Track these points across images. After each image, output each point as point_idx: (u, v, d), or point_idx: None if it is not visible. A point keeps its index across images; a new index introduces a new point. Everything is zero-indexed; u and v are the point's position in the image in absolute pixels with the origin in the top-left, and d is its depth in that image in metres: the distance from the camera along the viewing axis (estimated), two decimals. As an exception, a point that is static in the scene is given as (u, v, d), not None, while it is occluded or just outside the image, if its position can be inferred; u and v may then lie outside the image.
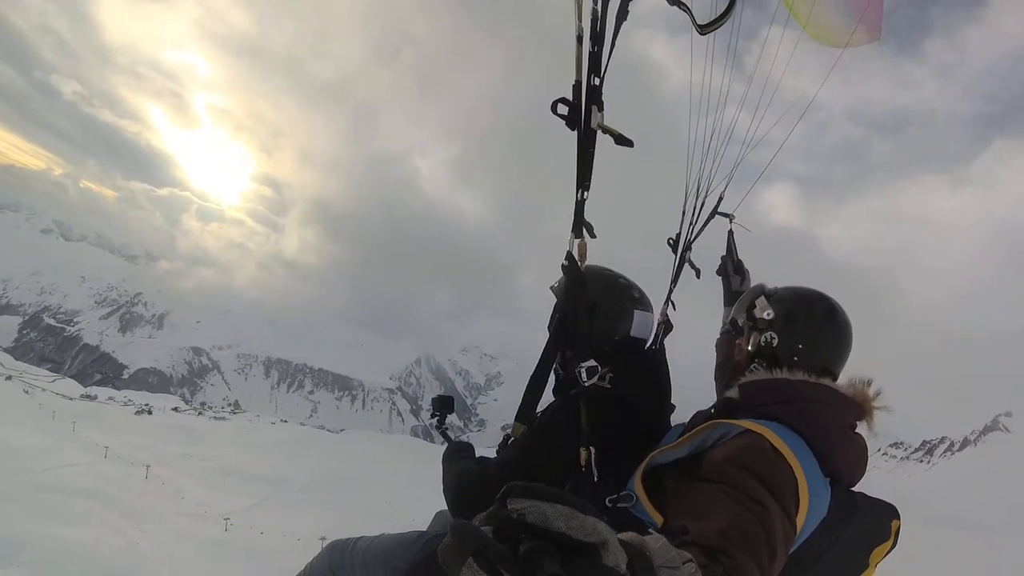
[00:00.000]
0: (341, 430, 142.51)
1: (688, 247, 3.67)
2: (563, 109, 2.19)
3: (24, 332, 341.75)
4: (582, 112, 2.20)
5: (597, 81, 2.21)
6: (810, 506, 1.93)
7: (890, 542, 2.34)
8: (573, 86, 2.19)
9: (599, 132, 2.23)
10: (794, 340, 2.47)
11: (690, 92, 3.32)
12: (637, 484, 2.25)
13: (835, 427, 2.24)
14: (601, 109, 2.19)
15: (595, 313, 2.83)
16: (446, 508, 3.08)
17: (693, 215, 3.64)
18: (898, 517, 2.35)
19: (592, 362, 2.34)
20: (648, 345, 3.13)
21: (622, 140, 2.31)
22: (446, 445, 3.35)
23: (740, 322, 2.70)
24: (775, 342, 2.49)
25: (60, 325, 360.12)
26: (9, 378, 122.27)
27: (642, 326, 3.00)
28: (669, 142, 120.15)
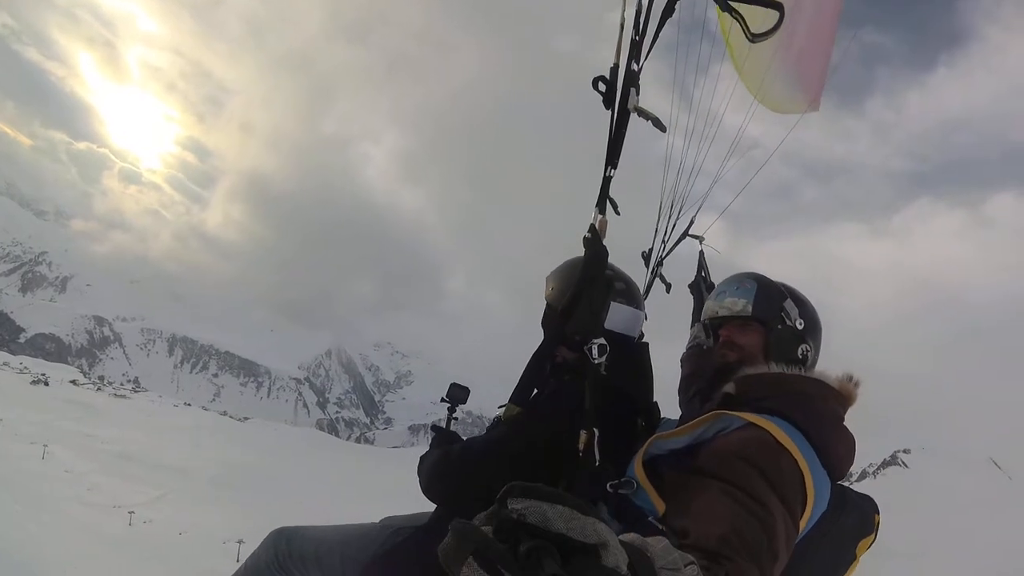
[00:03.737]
0: (245, 418, 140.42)
1: (660, 263, 3.80)
2: (601, 86, 2.34)
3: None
4: (618, 92, 2.30)
5: (636, 67, 2.33)
6: (815, 501, 1.98)
7: (873, 535, 2.36)
8: (611, 68, 2.33)
9: (634, 115, 2.32)
10: (816, 350, 2.59)
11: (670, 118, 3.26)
12: (638, 469, 2.21)
13: (831, 420, 2.29)
14: (638, 93, 2.29)
15: (573, 303, 2.66)
16: (389, 516, 3.04)
17: (665, 234, 3.79)
18: (878, 511, 2.39)
19: (603, 340, 2.34)
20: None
21: (658, 124, 2.40)
22: (433, 435, 3.06)
23: (763, 320, 2.55)
24: (810, 355, 2.55)
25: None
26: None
27: (620, 320, 2.79)
28: (647, 158, 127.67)
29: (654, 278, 3.77)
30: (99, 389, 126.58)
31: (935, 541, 70.83)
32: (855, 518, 2.28)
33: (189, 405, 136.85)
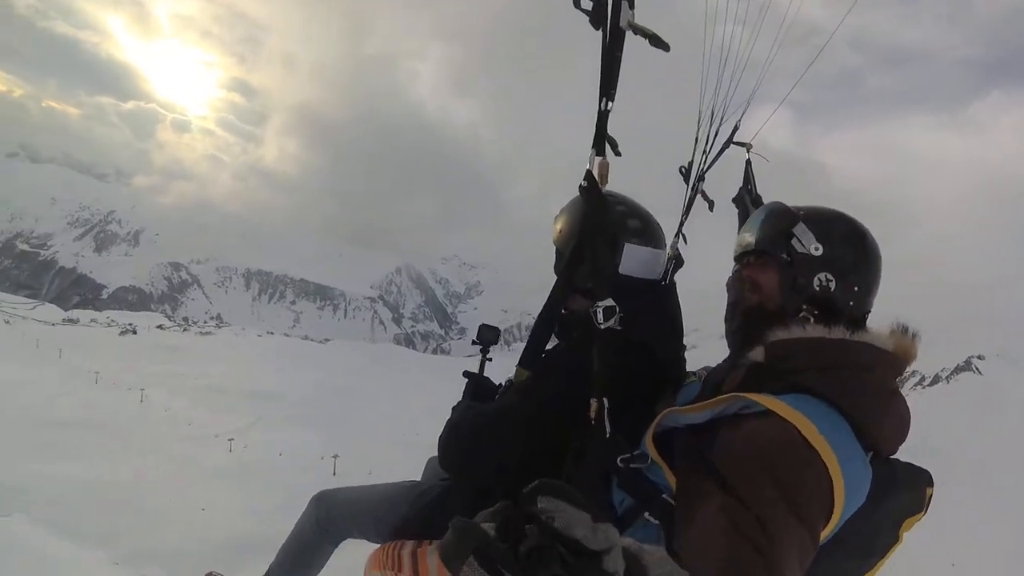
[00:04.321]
0: (326, 340, 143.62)
1: (701, 177, 3.30)
2: (587, 4, 1.96)
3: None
4: (609, 7, 1.97)
5: None
6: (845, 507, 1.69)
7: (923, 512, 2.04)
8: None
9: (629, 32, 2.00)
10: (851, 284, 2.03)
11: (705, 9, 2.97)
12: (649, 443, 1.99)
13: (879, 394, 1.89)
14: (632, 6, 1.97)
15: (577, 252, 2.40)
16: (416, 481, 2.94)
17: (706, 144, 3.25)
18: (932, 484, 2.05)
19: (610, 301, 2.12)
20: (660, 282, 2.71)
21: (656, 41, 2.05)
22: (467, 380, 3.00)
23: (770, 252, 2.15)
24: (832, 287, 2.01)
25: (34, 250, 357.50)
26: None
27: (636, 263, 2.52)
28: (685, 58, 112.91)
29: (695, 195, 3.32)
30: (185, 330, 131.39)
31: (1006, 451, 69.12)
32: (903, 499, 2.02)
33: (272, 334, 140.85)
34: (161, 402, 60.41)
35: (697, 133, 3.22)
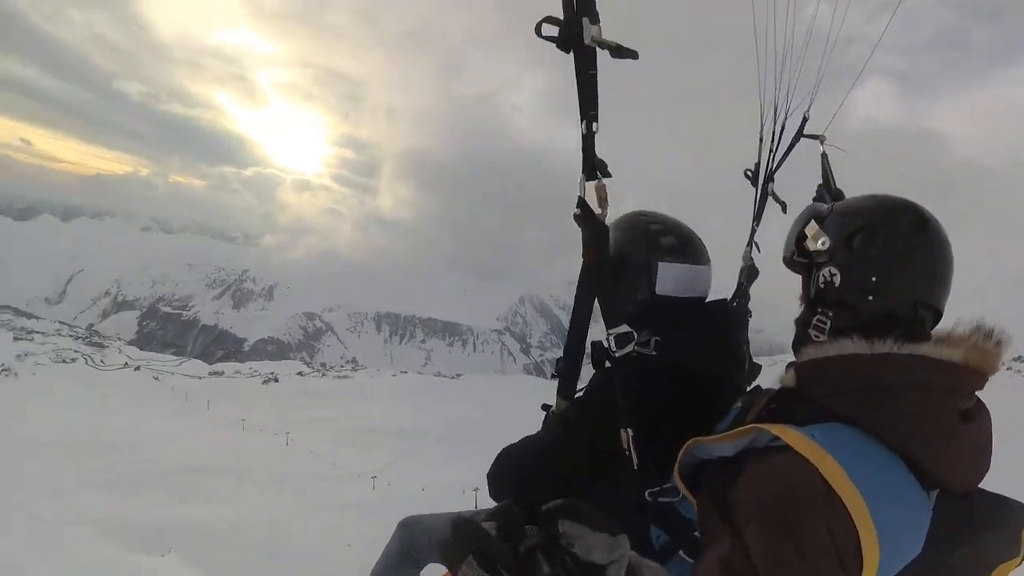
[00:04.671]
0: (457, 375, 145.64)
1: (770, 178, 3.18)
2: (550, 30, 1.87)
3: (144, 323, 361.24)
4: (578, 27, 1.87)
5: None
6: (882, 557, 1.43)
7: (1020, 558, 1.71)
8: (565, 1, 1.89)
9: (597, 49, 1.92)
10: (863, 274, 1.68)
11: None
12: (676, 475, 1.82)
13: (938, 419, 1.55)
14: (595, 21, 1.87)
15: (614, 269, 2.36)
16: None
17: (773, 141, 3.11)
18: None
19: (624, 328, 2.06)
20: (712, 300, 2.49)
21: (620, 52, 1.93)
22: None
23: (789, 258, 1.96)
24: (836, 281, 1.72)
25: (176, 311, 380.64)
26: (137, 368, 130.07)
27: (671, 282, 2.35)
28: (742, 49, 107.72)
29: (765, 199, 3.17)
30: (323, 375, 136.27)
31: None
32: (987, 542, 1.62)
33: (405, 373, 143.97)
34: (305, 444, 62.39)
35: (761, 131, 3.09)
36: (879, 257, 1.64)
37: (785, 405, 1.68)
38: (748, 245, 3.09)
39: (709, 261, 2.43)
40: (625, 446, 1.98)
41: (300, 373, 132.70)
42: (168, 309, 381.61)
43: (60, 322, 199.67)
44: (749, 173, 3.22)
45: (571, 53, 1.87)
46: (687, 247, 2.36)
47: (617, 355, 2.00)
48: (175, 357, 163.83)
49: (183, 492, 35.18)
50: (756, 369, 2.53)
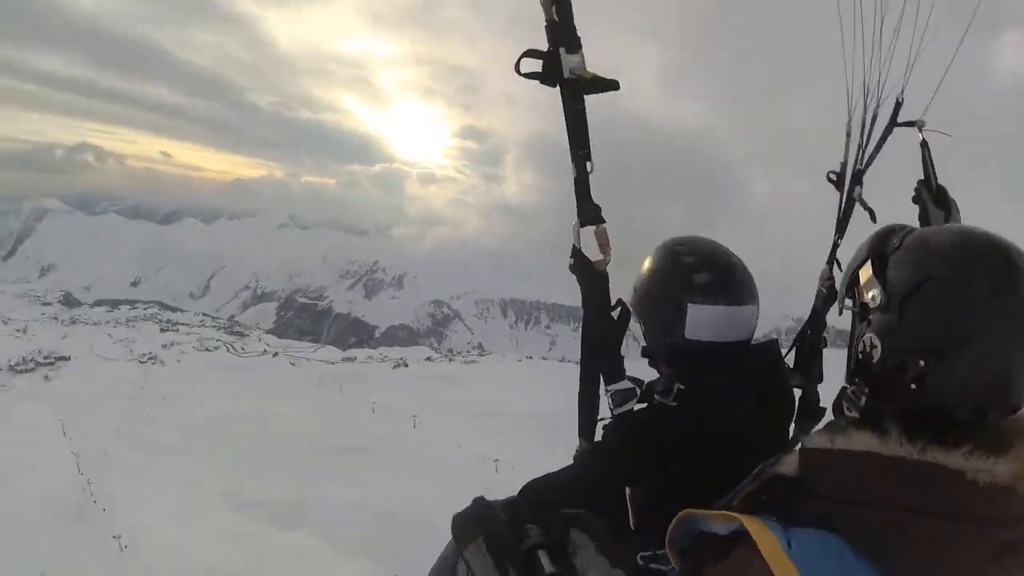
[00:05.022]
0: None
1: (858, 180, 2.72)
2: (530, 65, 1.77)
3: (282, 314, 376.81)
4: (555, 59, 1.77)
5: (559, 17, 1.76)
6: None
7: None
8: (545, 27, 1.76)
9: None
10: (913, 352, 1.27)
11: None
12: (667, 545, 1.56)
13: (956, 560, 1.20)
14: (574, 50, 1.76)
15: (647, 306, 2.22)
16: None
17: (862, 135, 2.68)
18: None
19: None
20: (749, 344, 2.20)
21: (596, 84, 1.80)
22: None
23: (842, 304, 1.61)
24: (875, 355, 1.33)
25: (312, 301, 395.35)
26: (275, 355, 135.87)
27: (700, 325, 2.09)
28: (826, 34, 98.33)
29: (851, 206, 2.72)
30: (451, 360, 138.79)
31: None
32: None
33: (530, 358, 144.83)
34: (433, 427, 63.50)
35: (848, 123, 2.69)
36: (933, 336, 1.23)
37: (784, 494, 1.38)
38: (828, 263, 2.70)
39: (753, 299, 2.14)
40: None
41: (428, 358, 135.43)
42: (304, 300, 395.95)
43: (203, 314, 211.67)
44: (833, 176, 2.77)
45: (557, 87, 1.77)
46: (724, 285, 2.09)
47: (614, 412, 1.87)
48: (311, 344, 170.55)
49: (316, 471, 36.26)
50: (817, 412, 2.36)
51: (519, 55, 1.69)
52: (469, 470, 46.32)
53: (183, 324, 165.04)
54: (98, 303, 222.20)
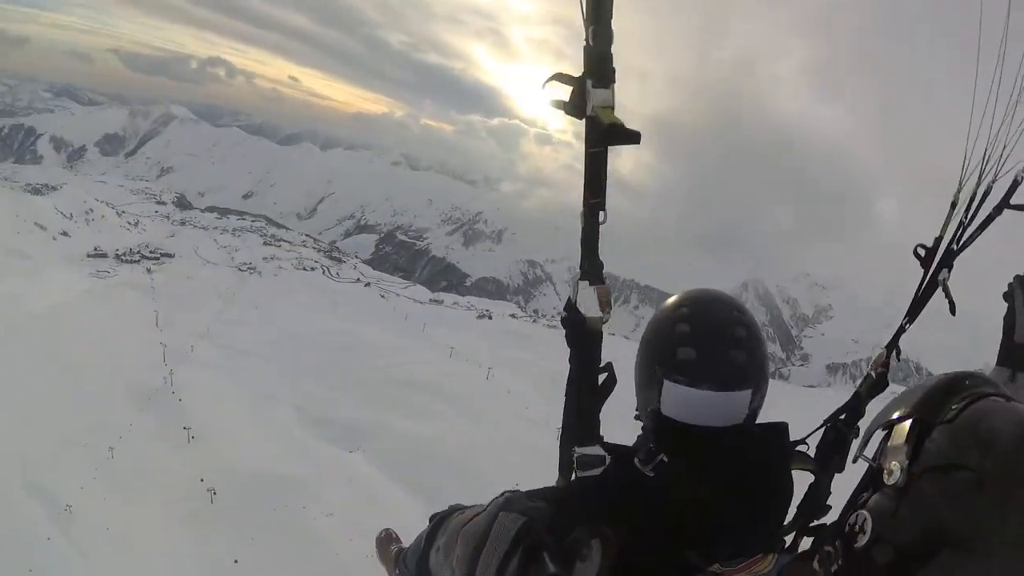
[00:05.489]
0: None
1: (948, 262, 2.36)
2: (561, 93, 1.57)
3: (380, 247, 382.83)
4: (580, 91, 1.57)
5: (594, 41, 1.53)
6: None
7: None
8: (584, 49, 1.54)
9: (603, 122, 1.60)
10: (916, 544, 1.07)
11: None
12: None
13: None
14: (603, 84, 1.54)
15: (636, 361, 1.91)
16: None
17: (967, 211, 2.31)
18: None
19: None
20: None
21: (613, 134, 1.58)
22: None
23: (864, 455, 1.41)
24: (861, 540, 1.13)
25: (411, 240, 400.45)
26: (367, 285, 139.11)
27: (670, 403, 1.78)
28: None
29: (931, 291, 2.35)
30: (534, 321, 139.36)
31: None
32: None
33: (612, 335, 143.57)
34: (505, 382, 63.74)
35: (957, 193, 2.32)
36: (939, 536, 1.05)
37: None
38: (888, 347, 2.34)
39: (748, 383, 1.77)
40: None
41: (513, 315, 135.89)
42: (404, 237, 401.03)
43: (306, 235, 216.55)
44: (921, 251, 2.36)
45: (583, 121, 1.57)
46: (710, 368, 1.74)
47: (578, 475, 1.72)
48: (403, 280, 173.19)
49: (384, 400, 36.84)
50: (819, 510, 2.03)
51: (551, 74, 1.52)
52: (527, 432, 46.23)
53: (286, 241, 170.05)
54: (209, 209, 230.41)
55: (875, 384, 2.33)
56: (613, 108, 1.53)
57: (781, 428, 1.90)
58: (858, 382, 2.43)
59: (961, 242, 2.33)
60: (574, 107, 1.56)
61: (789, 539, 2.06)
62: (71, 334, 53.84)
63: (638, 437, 1.86)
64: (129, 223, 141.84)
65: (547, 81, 1.55)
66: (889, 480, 1.17)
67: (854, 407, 2.33)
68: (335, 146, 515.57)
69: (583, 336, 1.77)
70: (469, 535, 1.33)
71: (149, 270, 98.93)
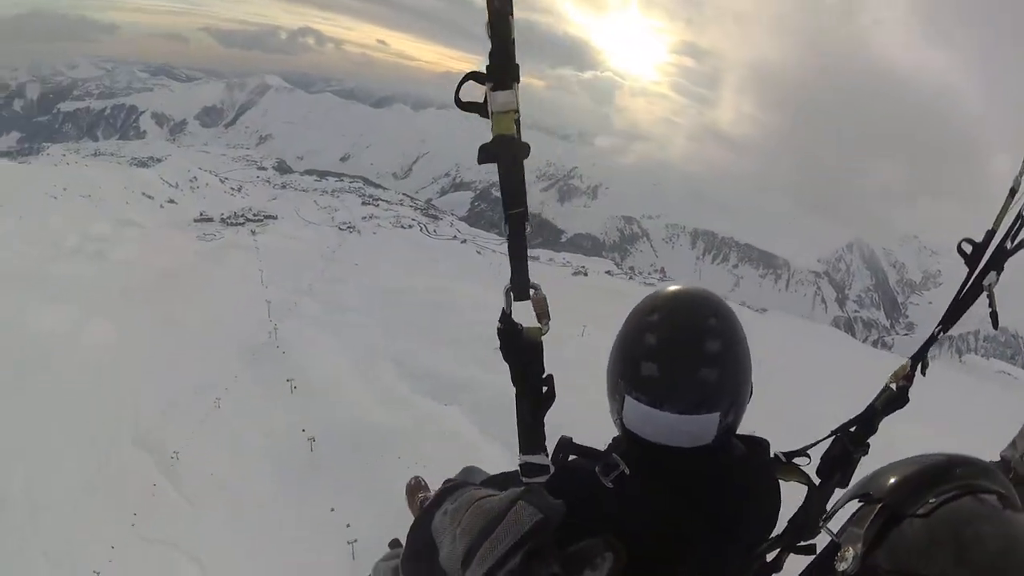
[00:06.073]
0: (763, 309, 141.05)
1: (998, 263, 2.02)
2: (469, 93, 1.38)
3: (476, 204, 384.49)
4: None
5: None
6: None
7: None
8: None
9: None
10: None
11: None
12: None
13: None
14: (504, 85, 1.36)
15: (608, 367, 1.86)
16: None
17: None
18: None
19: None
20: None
21: (499, 146, 1.41)
22: None
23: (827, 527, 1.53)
24: None
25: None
26: (464, 241, 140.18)
27: (630, 418, 1.74)
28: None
29: (973, 295, 2.05)
30: (630, 278, 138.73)
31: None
32: None
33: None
34: (600, 340, 62.97)
35: (1018, 179, 1.99)
36: None
37: None
38: (914, 356, 2.09)
39: (716, 408, 1.64)
40: None
41: (609, 272, 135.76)
42: (498, 194, 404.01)
43: (403, 194, 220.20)
44: (968, 247, 2.00)
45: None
46: (670, 387, 1.64)
47: (526, 482, 1.61)
48: (499, 237, 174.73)
49: (479, 356, 37.02)
50: (802, 531, 1.81)
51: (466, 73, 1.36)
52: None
53: (383, 200, 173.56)
54: (308, 172, 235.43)
55: (894, 399, 2.05)
56: (516, 111, 1.36)
57: (758, 447, 1.84)
58: (921, 364, 2.10)
59: (1017, 239, 1.96)
60: (485, 109, 1.37)
61: (773, 555, 1.93)
62: (183, 295, 56.27)
63: (609, 443, 1.80)
64: (232, 188, 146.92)
65: (461, 83, 1.35)
66: (840, 566, 1.16)
67: (867, 421, 2.05)
68: (427, 106, 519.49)
69: (519, 349, 1.60)
70: (483, 510, 1.30)
71: (253, 232, 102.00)
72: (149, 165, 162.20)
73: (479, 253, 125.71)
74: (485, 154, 1.40)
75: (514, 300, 1.53)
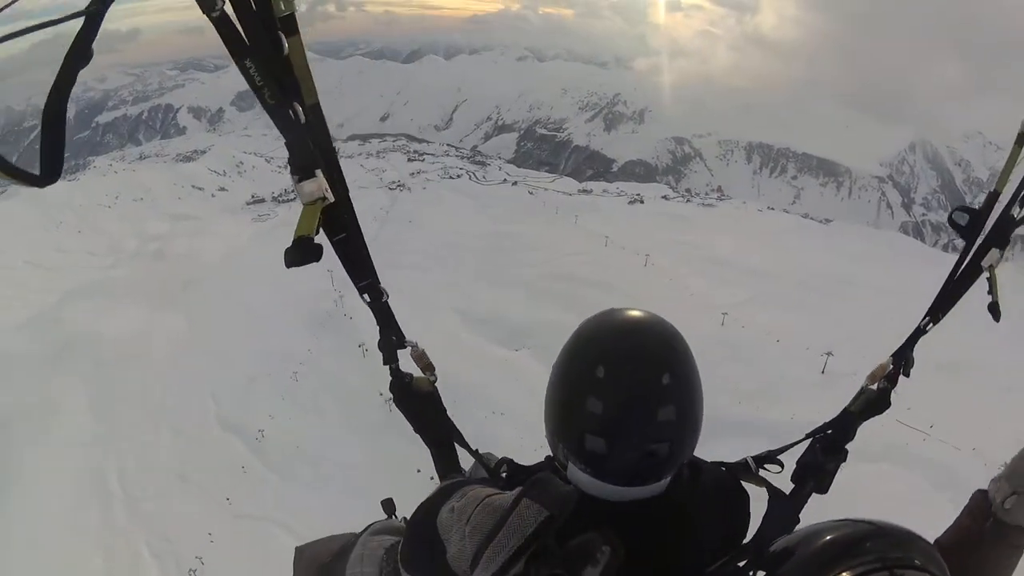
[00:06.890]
0: (827, 220, 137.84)
1: (1003, 236, 1.75)
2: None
3: (521, 144, 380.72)
4: None
5: None
6: None
7: None
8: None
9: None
10: None
11: None
12: None
13: None
14: (307, 173, 1.31)
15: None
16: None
17: None
18: None
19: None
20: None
21: (297, 252, 1.29)
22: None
23: None
24: None
25: (551, 133, 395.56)
26: (514, 184, 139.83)
27: (588, 486, 1.53)
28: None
29: (971, 277, 1.77)
30: (688, 201, 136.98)
31: None
32: None
33: (771, 209, 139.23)
34: (664, 268, 62.86)
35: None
36: None
37: None
38: (896, 354, 1.87)
39: (663, 476, 1.51)
40: None
41: (665, 197, 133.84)
42: (543, 131, 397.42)
43: (448, 145, 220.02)
44: (964, 216, 1.76)
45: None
46: (618, 465, 1.48)
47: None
48: (548, 175, 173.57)
49: (544, 297, 37.02)
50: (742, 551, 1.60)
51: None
52: (695, 319, 45.25)
53: (429, 154, 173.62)
54: (351, 138, 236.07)
55: (873, 402, 1.86)
56: (324, 199, 1.28)
57: (699, 471, 1.67)
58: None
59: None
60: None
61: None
62: (246, 276, 57.28)
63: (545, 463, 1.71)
64: (279, 167, 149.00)
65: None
66: None
67: (843, 426, 1.89)
68: (458, 53, 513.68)
69: (411, 398, 1.87)
70: (492, 507, 1.25)
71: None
72: (194, 158, 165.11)
73: (531, 193, 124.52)
74: (290, 259, 1.28)
75: (383, 363, 1.75)
